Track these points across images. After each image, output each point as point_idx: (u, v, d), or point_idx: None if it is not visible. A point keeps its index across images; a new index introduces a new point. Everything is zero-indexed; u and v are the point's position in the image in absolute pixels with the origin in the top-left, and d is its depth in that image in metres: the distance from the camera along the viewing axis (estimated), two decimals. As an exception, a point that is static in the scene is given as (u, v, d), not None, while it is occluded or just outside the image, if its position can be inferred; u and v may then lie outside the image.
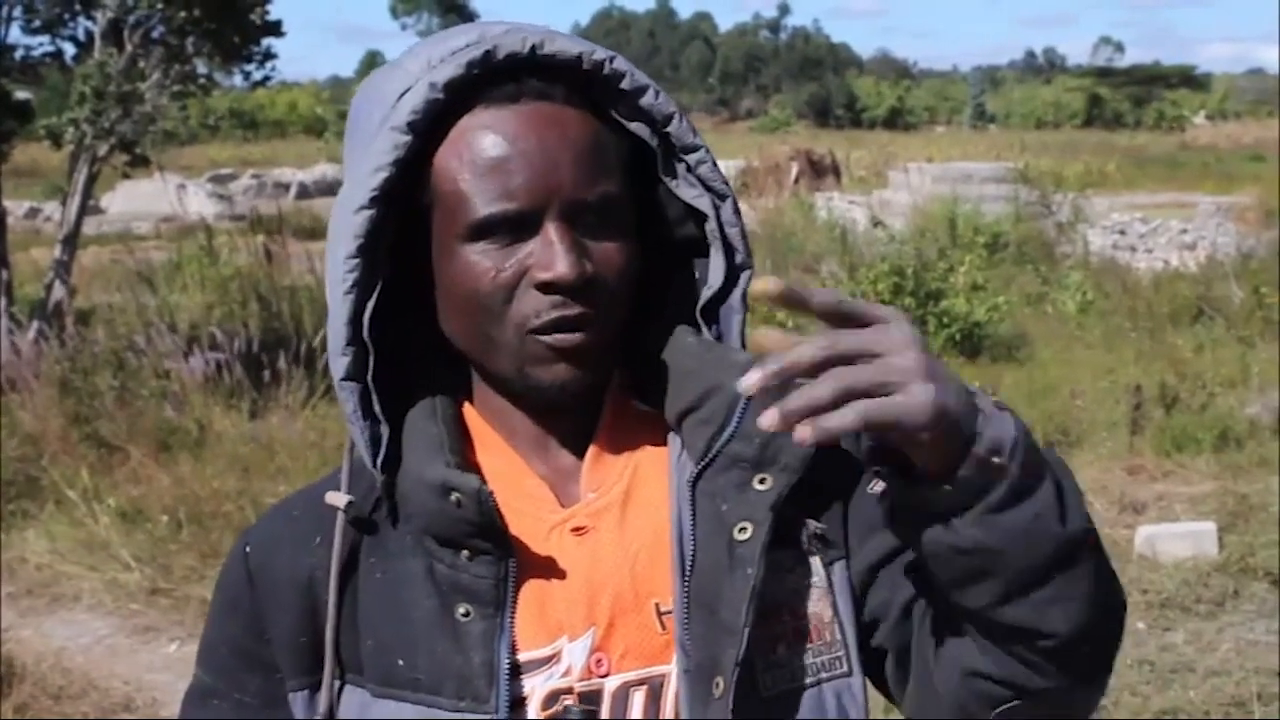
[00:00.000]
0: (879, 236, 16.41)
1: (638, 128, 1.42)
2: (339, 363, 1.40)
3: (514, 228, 1.35)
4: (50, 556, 7.76)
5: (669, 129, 1.43)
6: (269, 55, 13.43)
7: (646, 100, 1.41)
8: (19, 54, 12.95)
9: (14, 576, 7.61)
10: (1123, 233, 19.42)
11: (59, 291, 12.12)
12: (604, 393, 1.47)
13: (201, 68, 13.36)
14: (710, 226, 1.45)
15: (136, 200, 27.61)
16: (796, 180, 28.03)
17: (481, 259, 1.36)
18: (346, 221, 1.37)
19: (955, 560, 1.21)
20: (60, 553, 7.80)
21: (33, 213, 26.47)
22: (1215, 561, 7.26)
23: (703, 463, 1.40)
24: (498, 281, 1.36)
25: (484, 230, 1.36)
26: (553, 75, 1.38)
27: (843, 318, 1.14)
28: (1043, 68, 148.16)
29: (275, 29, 13.03)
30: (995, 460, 1.16)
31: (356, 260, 1.37)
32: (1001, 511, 1.17)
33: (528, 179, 1.34)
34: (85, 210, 12.87)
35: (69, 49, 13.24)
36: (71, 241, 12.47)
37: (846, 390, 1.10)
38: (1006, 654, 1.26)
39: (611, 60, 1.39)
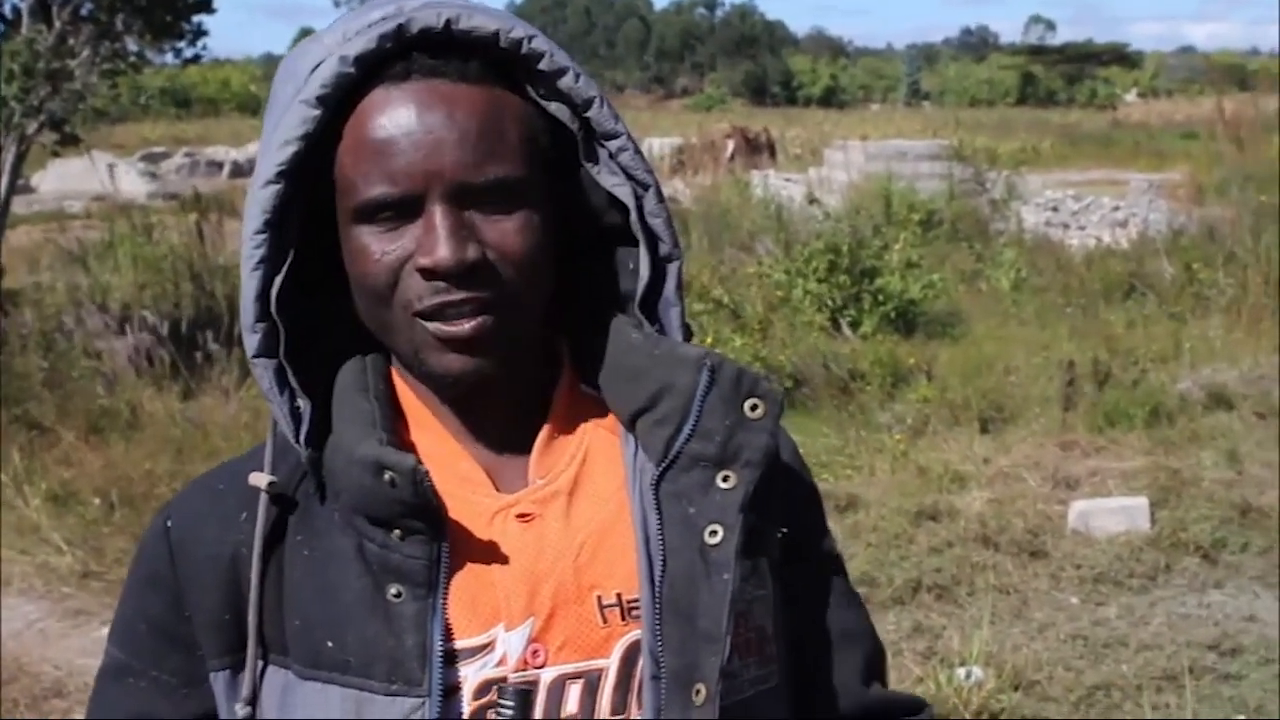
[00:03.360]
0: (814, 214, 16.43)
1: (557, 109, 1.38)
2: (250, 339, 1.37)
3: (398, 211, 1.32)
4: (-20, 540, 7.68)
5: (589, 113, 1.39)
6: (200, 32, 13.34)
7: (566, 82, 1.37)
8: (-55, 31, 12.77)
9: (-57, 561, 7.53)
10: (1056, 210, 19.56)
11: (-13, 272, 11.98)
12: (551, 381, 1.46)
13: (132, 45, 13.21)
14: (633, 218, 1.41)
15: (68, 179, 27.33)
16: (732, 158, 28.04)
17: (370, 241, 1.34)
18: (255, 197, 1.34)
19: None
20: (-10, 536, 7.71)
21: (-39, 192, 26.15)
22: (1147, 536, 7.32)
23: (663, 464, 1.38)
24: (381, 264, 1.33)
25: (368, 213, 1.33)
26: (470, 52, 1.34)
27: None
28: (977, 45, 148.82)
29: (206, 5, 12.94)
30: None
31: (263, 236, 1.34)
32: None
33: (409, 162, 1.31)
34: (14, 189, 12.73)
35: (-4, 26, 13.07)
36: (-1, 221, 12.33)
37: None
38: None
39: (531, 39, 1.35)
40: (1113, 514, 7.54)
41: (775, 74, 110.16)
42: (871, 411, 9.75)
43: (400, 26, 1.32)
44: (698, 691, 1.33)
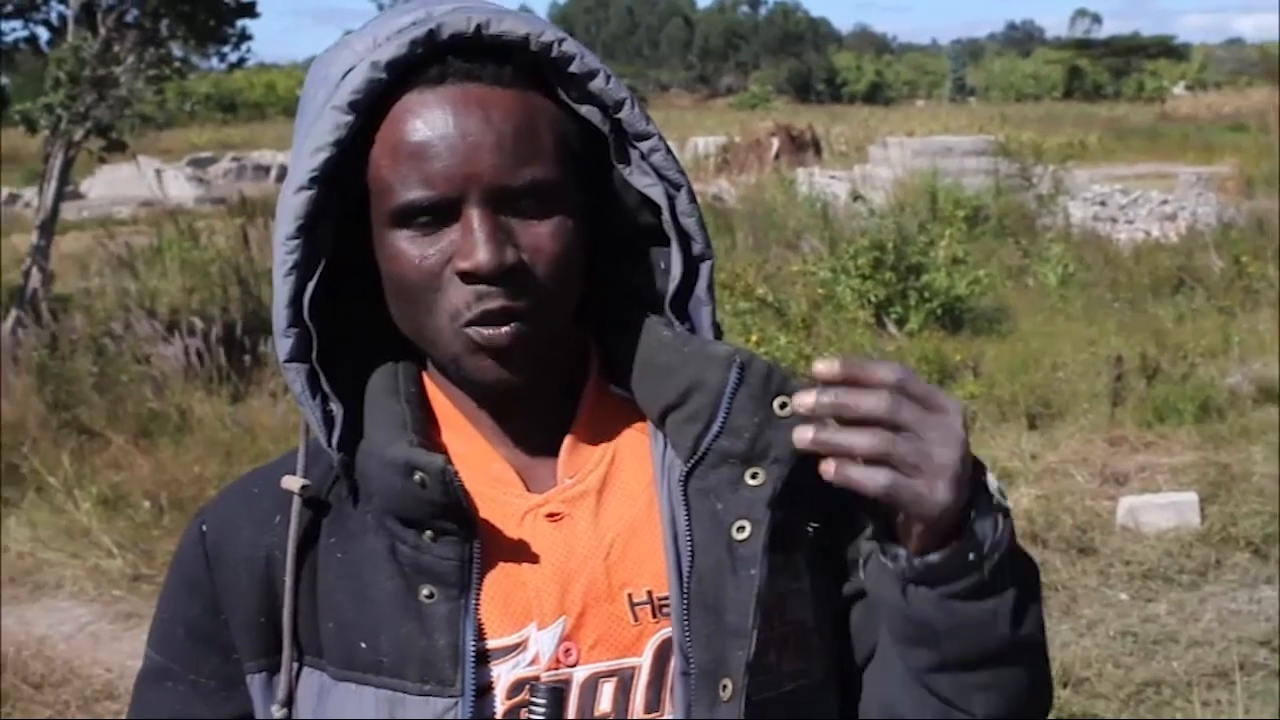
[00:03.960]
0: (859, 211, 16.40)
1: (589, 112, 1.38)
2: (282, 345, 1.38)
3: (436, 214, 1.32)
4: (31, 544, 7.74)
5: (620, 115, 1.38)
6: (244, 36, 13.40)
7: (596, 84, 1.37)
8: (-8, 39, 12.89)
9: (-5, 564, 7.60)
10: (1103, 204, 19.42)
11: (37, 278, 12.07)
12: (580, 380, 1.46)
13: (177, 51, 13.31)
14: (665, 218, 1.41)
15: (116, 185, 27.54)
16: (777, 156, 28.00)
17: (408, 246, 1.33)
18: (288, 203, 1.35)
19: (901, 621, 1.32)
20: (42, 540, 7.78)
21: (12, 199, 26.39)
22: (1197, 532, 7.27)
23: (692, 461, 1.38)
24: (422, 269, 1.33)
25: (405, 217, 1.33)
26: (501, 56, 1.34)
27: (906, 395, 1.22)
28: (1022, 40, 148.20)
29: (249, 10, 13.00)
30: (971, 556, 1.25)
31: (296, 241, 1.35)
32: (959, 600, 1.27)
33: (446, 165, 1.31)
34: (62, 196, 12.84)
35: (43, 33, 13.18)
36: (48, 227, 12.43)
37: (884, 455, 1.20)
38: (924, 702, 1.36)
39: (561, 42, 1.35)
40: (1162, 510, 7.50)
41: (819, 71, 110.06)
42: (918, 409, 9.69)
43: (431, 32, 1.32)
44: (724, 687, 1.32)
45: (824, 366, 1.21)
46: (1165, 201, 19.17)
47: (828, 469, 1.20)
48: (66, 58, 11.61)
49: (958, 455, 1.21)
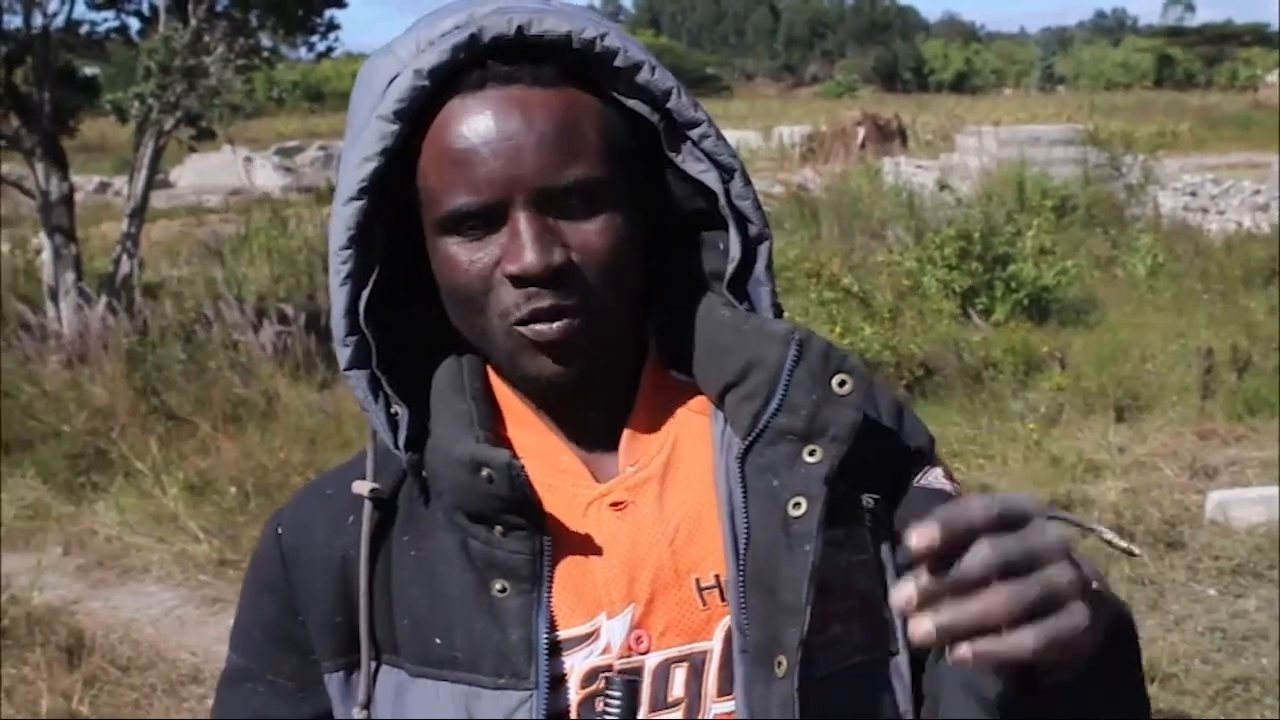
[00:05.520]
0: (946, 201, 16.29)
1: (636, 105, 1.38)
2: (342, 353, 1.40)
3: (483, 220, 1.33)
4: (119, 528, 7.84)
5: (669, 104, 1.39)
6: (332, 26, 13.48)
7: (643, 76, 1.37)
8: (85, 29, 13.03)
9: (84, 549, 7.70)
10: (1194, 194, 19.21)
11: (127, 265, 12.22)
12: (640, 367, 1.46)
13: (266, 40, 13.41)
14: (721, 203, 1.41)
15: (205, 174, 27.85)
16: (863, 145, 27.91)
17: (458, 251, 1.34)
18: (338, 214, 1.36)
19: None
20: (129, 525, 7.87)
21: (103, 187, 26.70)
22: (1288, 527, 7.17)
23: (750, 438, 1.38)
24: (472, 274, 1.34)
25: (454, 224, 1.34)
26: (543, 55, 1.34)
27: (1002, 523, 1.05)
28: (1112, 28, 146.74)
29: (338, 0, 13.08)
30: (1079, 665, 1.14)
31: (349, 252, 1.36)
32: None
33: (490, 170, 1.31)
34: (152, 184, 12.97)
35: (134, 24, 13.31)
36: (138, 215, 12.56)
37: (1019, 611, 1.02)
38: None
39: (603, 37, 1.35)
40: (1252, 504, 7.40)
41: (906, 60, 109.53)
42: (1004, 400, 9.65)
43: (473, 36, 1.33)
44: (779, 664, 1.32)
45: (917, 538, 1.02)
46: (1258, 192, 18.94)
47: (964, 657, 1.02)
48: (157, 48, 11.74)
49: (1070, 564, 1.06)
